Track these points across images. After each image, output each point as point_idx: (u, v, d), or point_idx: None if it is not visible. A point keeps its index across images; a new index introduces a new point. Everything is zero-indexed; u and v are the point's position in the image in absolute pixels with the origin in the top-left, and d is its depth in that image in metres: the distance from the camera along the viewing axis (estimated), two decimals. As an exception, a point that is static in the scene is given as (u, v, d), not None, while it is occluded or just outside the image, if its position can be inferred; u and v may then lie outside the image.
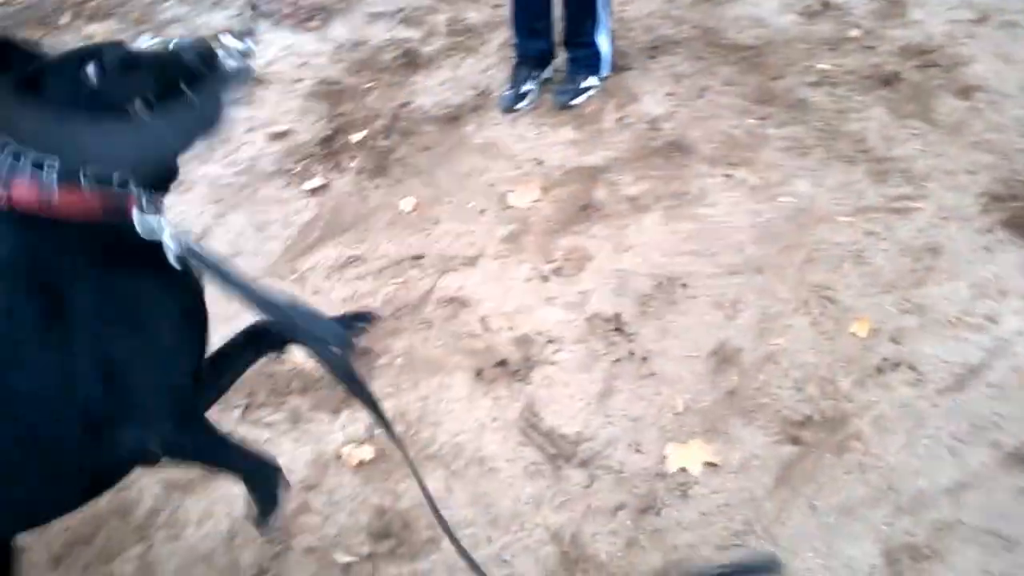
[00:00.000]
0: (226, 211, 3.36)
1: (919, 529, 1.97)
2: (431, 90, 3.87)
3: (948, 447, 2.12)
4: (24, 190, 1.25)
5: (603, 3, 3.41)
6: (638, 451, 2.26)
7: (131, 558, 2.22)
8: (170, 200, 3.34)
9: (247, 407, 2.55)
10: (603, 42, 3.52)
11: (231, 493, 2.28)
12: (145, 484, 2.36)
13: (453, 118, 3.66)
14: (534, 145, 3.42)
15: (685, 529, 2.07)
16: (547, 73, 3.70)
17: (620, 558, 2.04)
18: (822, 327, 2.48)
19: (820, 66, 3.44)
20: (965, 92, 3.23)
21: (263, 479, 1.70)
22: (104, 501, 2.27)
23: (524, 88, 3.63)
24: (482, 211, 3.15)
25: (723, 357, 2.47)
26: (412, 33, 4.32)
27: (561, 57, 3.66)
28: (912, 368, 2.32)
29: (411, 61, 4.09)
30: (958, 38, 3.53)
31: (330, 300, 2.86)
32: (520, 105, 3.62)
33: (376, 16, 4.51)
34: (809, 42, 3.61)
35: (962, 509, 1.99)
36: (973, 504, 1.99)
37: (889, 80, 3.31)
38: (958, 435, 2.14)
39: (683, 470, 2.19)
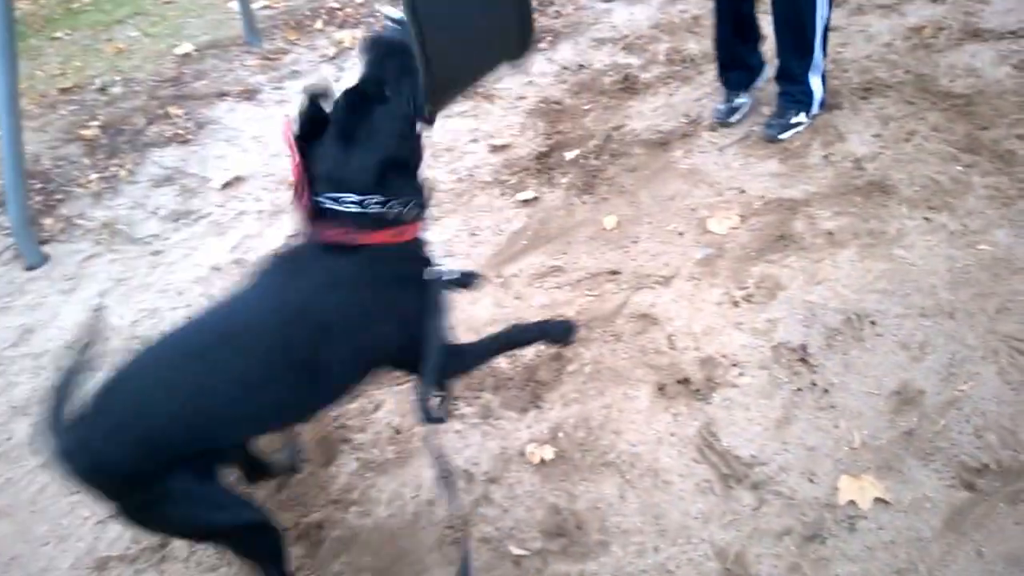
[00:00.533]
0: (444, 214, 3.71)
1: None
2: (644, 115, 4.08)
3: None
4: (374, 236, 1.88)
5: (820, 43, 3.49)
6: (810, 480, 2.36)
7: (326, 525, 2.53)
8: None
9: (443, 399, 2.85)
10: (816, 82, 3.59)
11: (421, 476, 2.59)
12: (344, 461, 2.70)
13: (663, 143, 3.85)
14: (737, 174, 3.55)
15: (849, 560, 2.16)
16: (759, 82, 3.84)
17: (780, 579, 2.16)
18: (1009, 377, 2.47)
19: (1024, 118, 3.35)
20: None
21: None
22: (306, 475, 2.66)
23: (737, 101, 3.79)
24: (681, 233, 3.32)
25: (905, 397, 2.51)
26: (633, 60, 4.54)
27: (773, 90, 3.76)
28: (1101, 431, 2.28)
29: (629, 86, 4.32)
30: None
31: (529, 305, 3.13)
32: (733, 118, 3.79)
33: (601, 41, 4.77)
34: (1022, 95, 3.51)
35: None
36: None
37: (1102, 141, 3.18)
38: None
39: (853, 503, 2.27)
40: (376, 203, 1.85)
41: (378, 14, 2.00)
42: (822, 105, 3.68)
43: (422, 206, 1.99)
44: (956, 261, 2.89)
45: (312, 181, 1.86)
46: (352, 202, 1.84)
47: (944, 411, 2.45)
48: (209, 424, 1.76)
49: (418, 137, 1.96)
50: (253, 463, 2.42)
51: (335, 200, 1.84)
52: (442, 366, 1.99)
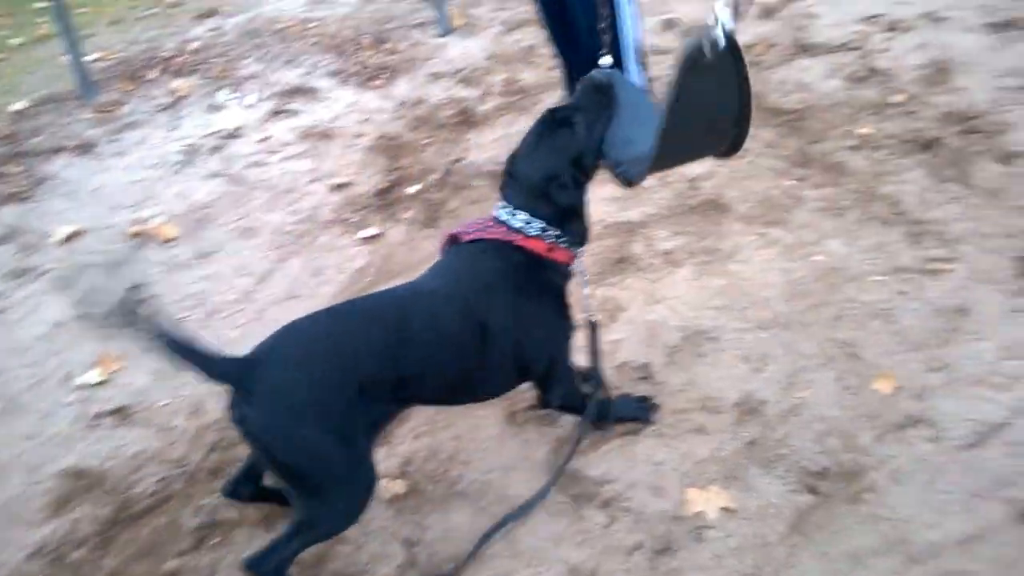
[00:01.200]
0: (287, 256, 3.57)
1: (927, 581, 1.99)
2: (484, 146, 4.07)
3: (962, 502, 2.13)
4: (526, 240, 2.14)
5: (634, 64, 3.55)
6: (658, 495, 2.33)
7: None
8: (235, 246, 3.59)
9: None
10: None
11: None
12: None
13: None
14: (578, 201, 3.55)
15: (699, 570, 2.11)
16: None
17: (633, 596, 2.10)
18: (846, 382, 2.52)
19: (861, 131, 3.51)
20: (1007, 158, 3.26)
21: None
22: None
23: None
24: (525, 262, 3.27)
25: (747, 408, 2.52)
26: (469, 92, 4.55)
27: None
28: (932, 425, 2.34)
29: (467, 119, 4.31)
30: (1004, 105, 3.57)
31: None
32: None
33: (437, 75, 4.76)
34: (852, 107, 3.69)
35: (973, 561, 1.99)
36: (984, 557, 2.00)
37: (930, 145, 3.36)
38: (974, 490, 2.15)
39: (700, 514, 2.24)
40: (539, 223, 2.14)
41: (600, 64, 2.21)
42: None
43: (579, 237, 2.26)
44: (791, 273, 2.96)
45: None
46: (519, 217, 2.15)
47: (785, 419, 2.47)
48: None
49: (589, 170, 2.24)
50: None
51: (508, 212, 2.16)
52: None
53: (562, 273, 2.24)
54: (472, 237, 2.15)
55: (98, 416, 2.90)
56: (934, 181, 3.21)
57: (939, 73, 3.85)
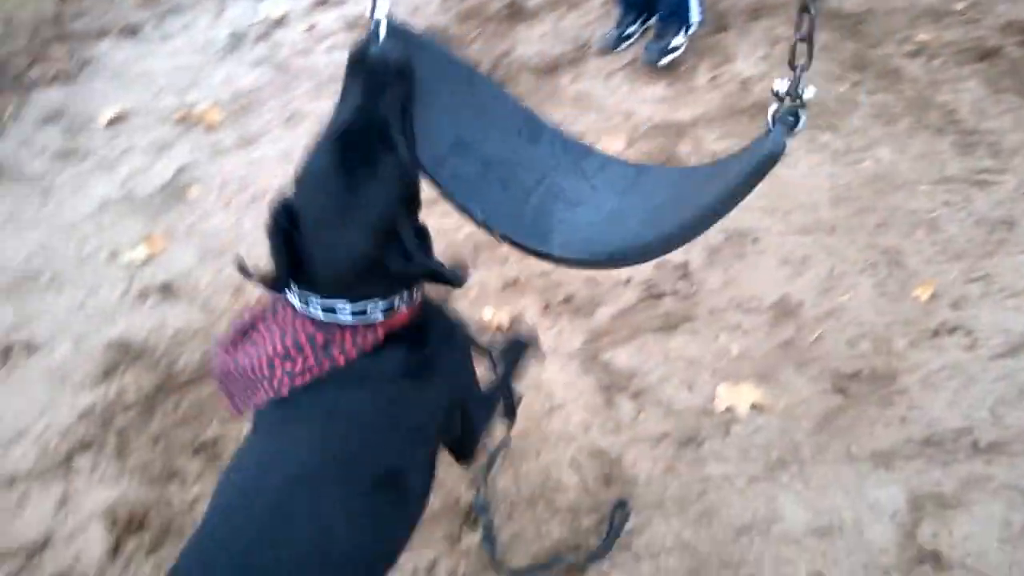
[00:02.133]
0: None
1: (949, 480, 2.03)
2: (532, 41, 3.99)
3: (990, 409, 2.15)
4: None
5: None
6: (689, 389, 2.38)
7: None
8: (280, 132, 3.57)
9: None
10: (693, 2, 3.55)
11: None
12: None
13: (551, 69, 3.78)
14: (626, 99, 3.51)
15: (723, 461, 2.19)
16: (652, 21, 3.77)
17: (656, 480, 2.17)
18: (885, 288, 2.52)
19: (920, 37, 3.38)
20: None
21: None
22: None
23: (629, 30, 3.73)
24: (568, 159, 3.27)
25: (783, 310, 2.54)
26: (520, -14, 4.44)
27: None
28: (968, 333, 2.34)
29: (516, 13, 4.21)
30: (1069, 15, 3.42)
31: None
32: (622, 47, 3.73)
33: (486, -32, 4.65)
34: (912, 12, 3.55)
35: (994, 466, 2.03)
36: (1006, 463, 2.03)
37: (988, 54, 3.23)
38: (1003, 398, 2.17)
39: (729, 409, 2.30)
40: (381, 307, 1.35)
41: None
42: (702, 24, 3.63)
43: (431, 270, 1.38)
44: (838, 179, 2.92)
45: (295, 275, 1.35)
46: (351, 312, 1.34)
47: (822, 322, 2.49)
48: None
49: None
50: None
51: (330, 310, 1.34)
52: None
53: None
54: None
55: (144, 292, 3.00)
56: (990, 91, 3.10)
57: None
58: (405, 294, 1.37)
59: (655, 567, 2.02)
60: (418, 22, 4.26)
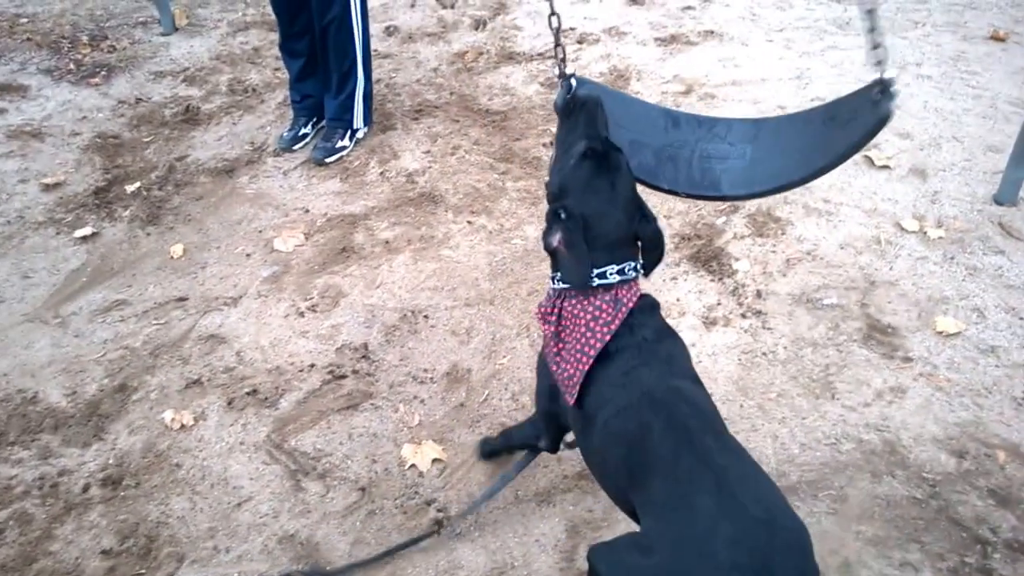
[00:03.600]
0: (-9, 260, 3.40)
1: (597, 506, 2.33)
2: (209, 144, 4.07)
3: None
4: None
5: (361, 69, 3.77)
6: (373, 461, 2.52)
7: None
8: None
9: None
10: (358, 107, 3.86)
11: None
12: None
13: (228, 170, 3.88)
14: (302, 195, 3.68)
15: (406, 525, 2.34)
16: (323, 122, 4.01)
17: (348, 552, 2.28)
18: (538, 347, 2.82)
19: (554, 129, 3.90)
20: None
21: None
22: None
23: (303, 131, 3.94)
24: (248, 255, 3.36)
25: (455, 377, 2.78)
26: (194, 91, 4.51)
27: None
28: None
29: (191, 117, 4.28)
30: (668, 105, 4.11)
31: (92, 342, 2.97)
32: (297, 147, 3.93)
33: (160, 74, 4.67)
34: (547, 108, 4.10)
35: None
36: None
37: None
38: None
39: (414, 467, 2.48)
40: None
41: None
42: (367, 125, 3.94)
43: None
44: (495, 256, 3.26)
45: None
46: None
47: (488, 383, 2.75)
48: None
49: None
50: None
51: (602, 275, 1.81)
52: None
53: None
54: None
55: None
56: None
57: (618, 79, 4.35)
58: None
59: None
60: (86, 129, 4.19)
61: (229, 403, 2.72)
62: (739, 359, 2.78)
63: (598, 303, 1.80)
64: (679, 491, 1.56)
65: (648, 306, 1.87)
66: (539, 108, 4.12)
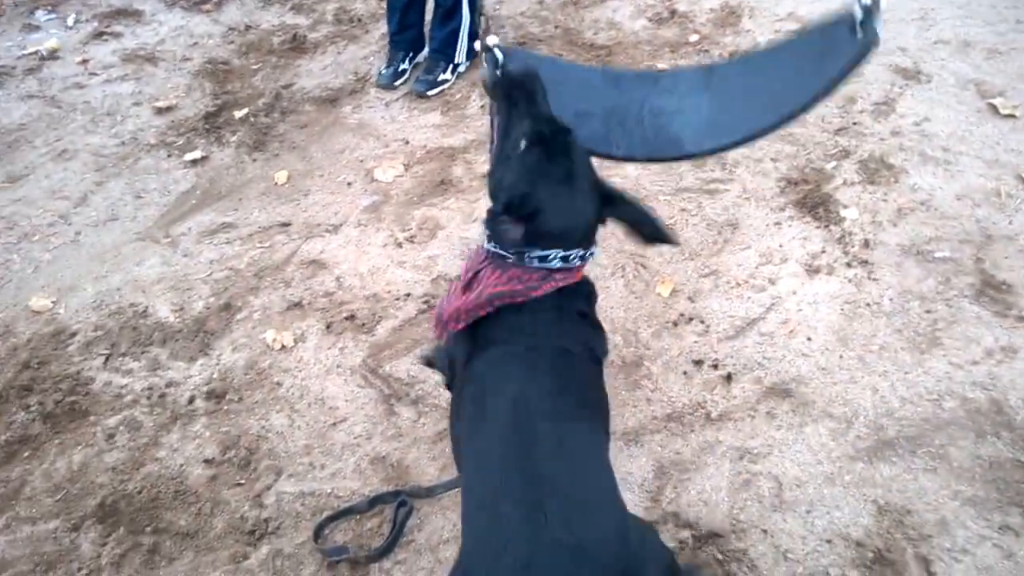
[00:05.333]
0: (106, 179, 3.53)
1: (686, 448, 2.31)
2: (314, 73, 4.12)
3: (721, 383, 2.47)
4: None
5: (466, 3, 3.73)
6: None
7: None
8: (49, 168, 3.51)
9: (109, 357, 2.76)
10: (461, 40, 3.82)
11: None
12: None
13: (332, 99, 3.92)
14: (403, 127, 3.70)
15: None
16: (420, 57, 4.00)
17: (436, 479, 2.33)
18: (633, 288, 2.82)
19: (660, 64, 3.80)
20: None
21: None
22: None
23: (401, 67, 3.94)
24: (350, 184, 3.41)
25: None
26: (301, 20, 4.56)
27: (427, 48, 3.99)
28: (702, 321, 2.67)
29: (298, 46, 4.33)
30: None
31: (199, 262, 3.09)
32: (397, 83, 3.93)
33: (268, 2, 4.73)
34: (654, 44, 3.98)
35: (721, 432, 2.34)
36: (731, 428, 2.35)
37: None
38: (732, 372, 2.50)
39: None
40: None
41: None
42: (469, 60, 3.92)
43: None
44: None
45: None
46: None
47: (580, 321, 2.74)
48: None
49: None
50: None
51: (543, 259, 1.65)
52: None
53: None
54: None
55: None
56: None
57: (728, 15, 4.19)
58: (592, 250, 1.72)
59: (434, 559, 2.16)
60: (197, 55, 4.29)
61: (328, 327, 2.79)
62: (841, 309, 2.69)
63: (529, 271, 1.65)
64: (489, 488, 1.42)
65: (579, 292, 1.74)
66: (645, 44, 4.00)
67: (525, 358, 1.62)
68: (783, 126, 1.79)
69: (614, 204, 1.70)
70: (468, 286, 1.71)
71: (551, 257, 1.64)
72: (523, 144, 1.62)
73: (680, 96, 1.91)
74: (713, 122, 1.84)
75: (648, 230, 1.73)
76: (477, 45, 1.87)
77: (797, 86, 1.71)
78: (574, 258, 1.66)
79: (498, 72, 1.84)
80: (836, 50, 1.64)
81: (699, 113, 1.87)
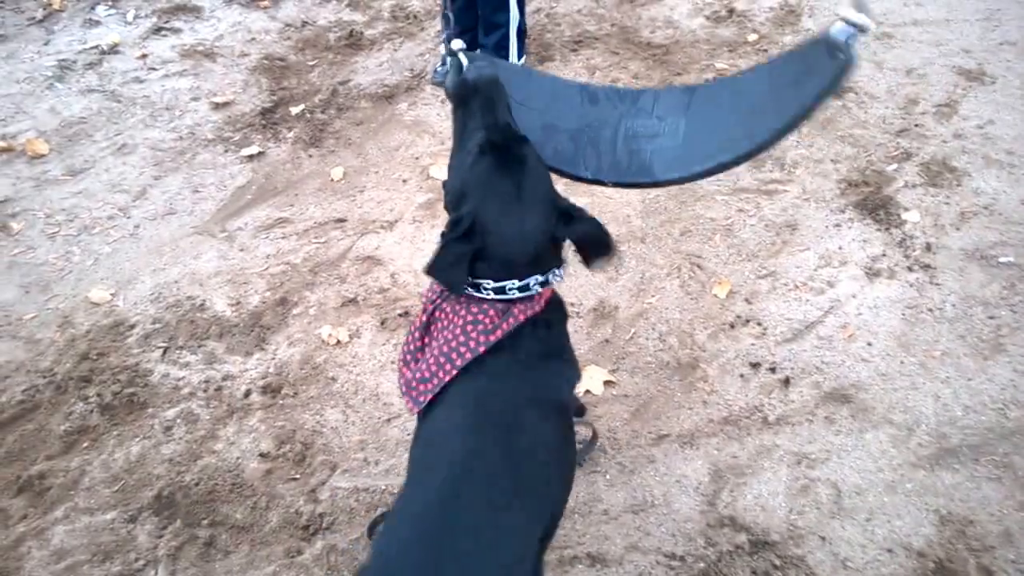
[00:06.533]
0: (165, 173, 3.59)
1: (743, 452, 2.29)
2: (370, 70, 4.14)
3: (778, 387, 2.44)
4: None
5: (516, 3, 3.72)
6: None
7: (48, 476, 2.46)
8: (110, 162, 3.57)
9: (167, 349, 2.81)
10: (512, 37, 3.81)
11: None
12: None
13: (388, 96, 3.94)
14: (457, 124, 3.70)
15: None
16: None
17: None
18: (689, 289, 2.79)
19: (718, 64, 3.76)
20: (839, 93, 3.56)
21: None
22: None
23: None
24: (405, 181, 3.42)
25: (602, 313, 2.77)
26: (357, 17, 4.58)
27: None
28: (759, 323, 2.64)
29: (354, 42, 4.36)
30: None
31: (255, 256, 3.12)
32: None
33: (325, -1, 4.78)
34: (712, 43, 3.94)
35: (778, 436, 2.31)
36: (788, 432, 2.32)
37: (776, 79, 3.64)
38: (789, 376, 2.46)
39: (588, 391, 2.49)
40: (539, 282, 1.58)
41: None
42: (521, 57, 3.91)
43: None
44: (647, 192, 3.20)
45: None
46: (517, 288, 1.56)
47: (634, 321, 2.73)
48: None
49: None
50: None
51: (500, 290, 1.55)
52: None
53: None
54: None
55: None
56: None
57: (788, 15, 4.13)
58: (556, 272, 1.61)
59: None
60: (255, 51, 4.34)
61: (382, 323, 2.81)
62: (903, 314, 2.64)
63: (485, 307, 1.54)
64: (400, 546, 1.34)
65: (545, 321, 1.62)
66: (703, 43, 3.97)
67: (475, 415, 1.51)
68: (757, 155, 1.69)
69: (573, 223, 1.58)
70: (426, 329, 1.63)
71: (508, 288, 1.53)
72: (473, 155, 1.51)
73: (658, 117, 1.82)
74: (687, 148, 1.75)
75: (602, 251, 1.63)
76: (442, 49, 1.77)
77: (775, 111, 1.64)
78: (534, 285, 1.55)
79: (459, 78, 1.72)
80: (813, 74, 1.58)
81: (675, 137, 1.78)
